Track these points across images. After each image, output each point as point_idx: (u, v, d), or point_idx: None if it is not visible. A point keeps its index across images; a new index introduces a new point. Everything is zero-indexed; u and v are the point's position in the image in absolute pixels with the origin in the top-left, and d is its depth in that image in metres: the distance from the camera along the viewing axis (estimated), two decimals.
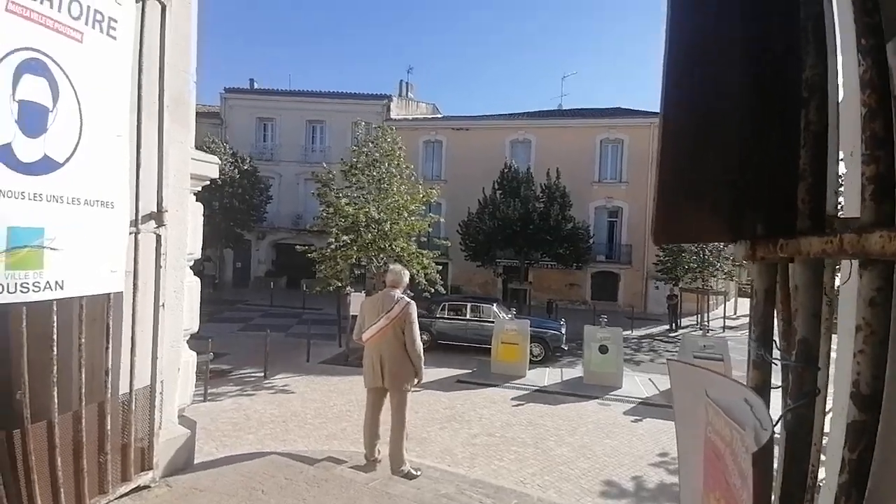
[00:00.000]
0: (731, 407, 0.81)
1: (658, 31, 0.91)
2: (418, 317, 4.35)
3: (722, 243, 17.59)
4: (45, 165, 2.20)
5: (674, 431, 1.17)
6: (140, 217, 2.89)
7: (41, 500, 2.35)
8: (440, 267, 13.28)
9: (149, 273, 3.00)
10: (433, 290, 12.37)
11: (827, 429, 0.99)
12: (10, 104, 2.05)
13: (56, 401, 2.40)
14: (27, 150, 2.11)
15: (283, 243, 26.93)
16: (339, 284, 12.06)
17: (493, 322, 12.20)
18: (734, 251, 1.04)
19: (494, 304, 13.74)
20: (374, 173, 12.85)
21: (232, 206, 22.31)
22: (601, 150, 24.57)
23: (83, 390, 2.57)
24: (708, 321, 19.15)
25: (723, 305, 21.19)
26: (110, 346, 2.70)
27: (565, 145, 24.02)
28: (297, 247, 13.67)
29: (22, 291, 2.11)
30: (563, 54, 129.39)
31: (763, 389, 0.91)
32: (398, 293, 4.34)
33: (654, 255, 20.77)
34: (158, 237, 3.04)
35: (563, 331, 13.09)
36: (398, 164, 13.18)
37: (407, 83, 31.19)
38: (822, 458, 0.94)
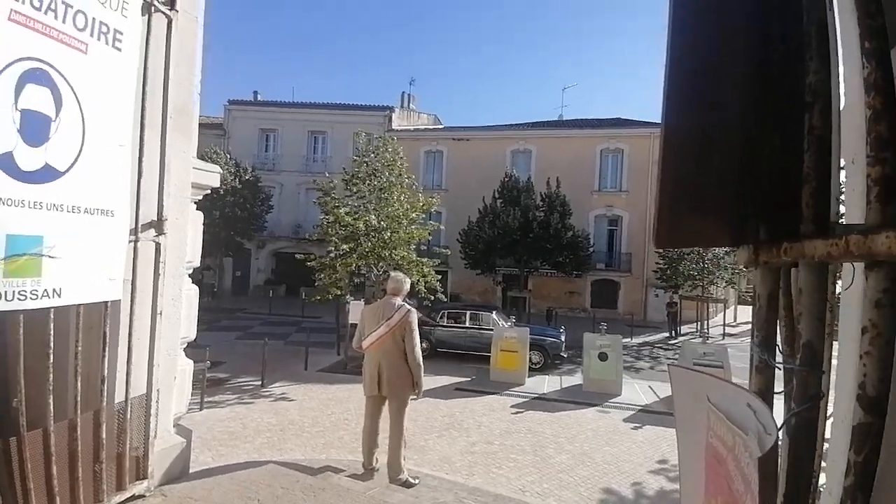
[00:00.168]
0: (734, 412, 0.80)
1: (660, 39, 0.92)
2: (418, 325, 4.34)
3: (722, 251, 17.71)
4: (46, 174, 2.20)
5: (674, 439, 1.16)
6: (140, 225, 2.89)
7: None
8: (440, 275, 13.27)
9: (147, 281, 2.99)
10: (433, 298, 12.34)
11: (827, 433, 0.99)
12: (13, 113, 2.06)
13: (52, 409, 2.39)
14: (28, 158, 2.12)
15: (283, 252, 26.93)
16: (339, 293, 12.03)
17: (492, 330, 12.17)
18: (736, 256, 1.04)
19: (494, 312, 13.70)
20: (375, 183, 12.89)
21: (233, 215, 22.37)
22: (601, 160, 24.70)
23: (79, 398, 2.55)
24: (708, 329, 19.11)
25: (722, 313, 21.17)
26: (107, 354, 2.68)
27: (566, 155, 24.13)
28: (297, 255, 13.64)
29: (20, 299, 2.10)
30: (563, 66, 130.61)
31: (766, 394, 0.91)
32: (399, 301, 4.33)
33: (654, 263, 20.80)
34: (158, 245, 3.03)
35: (563, 338, 13.07)
36: (399, 173, 13.22)
37: (409, 94, 31.56)
38: (822, 463, 0.93)
